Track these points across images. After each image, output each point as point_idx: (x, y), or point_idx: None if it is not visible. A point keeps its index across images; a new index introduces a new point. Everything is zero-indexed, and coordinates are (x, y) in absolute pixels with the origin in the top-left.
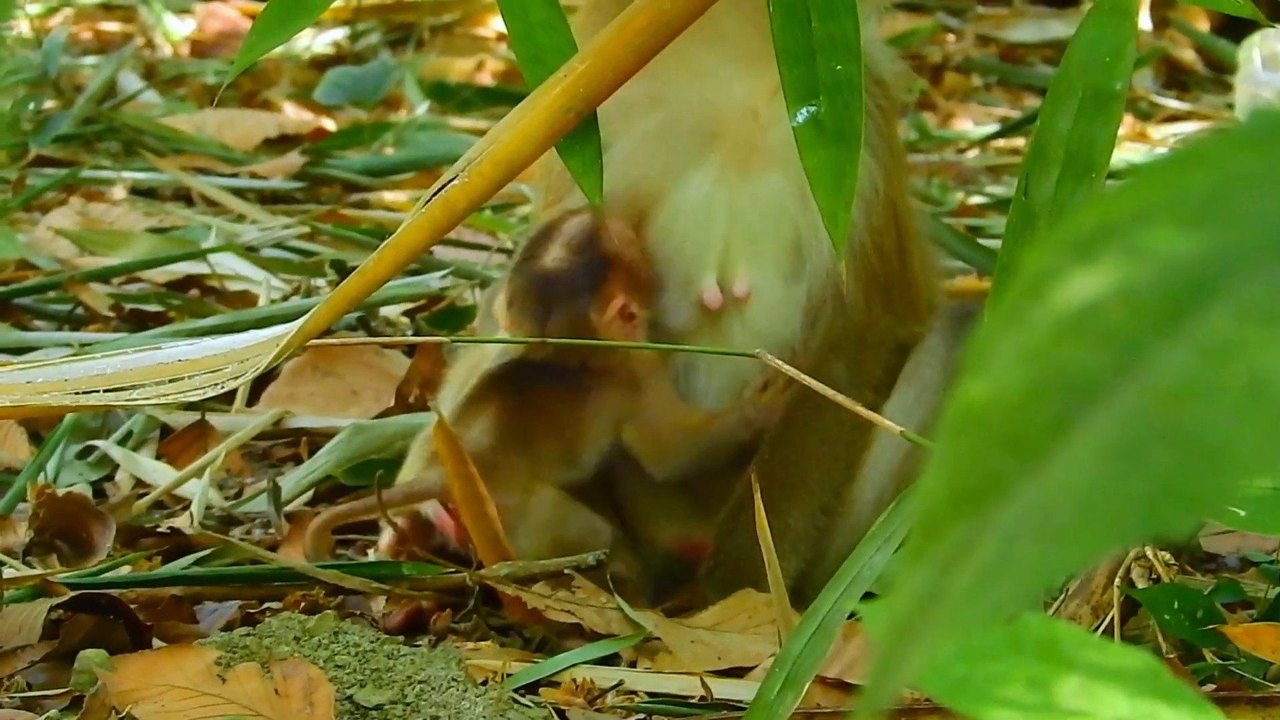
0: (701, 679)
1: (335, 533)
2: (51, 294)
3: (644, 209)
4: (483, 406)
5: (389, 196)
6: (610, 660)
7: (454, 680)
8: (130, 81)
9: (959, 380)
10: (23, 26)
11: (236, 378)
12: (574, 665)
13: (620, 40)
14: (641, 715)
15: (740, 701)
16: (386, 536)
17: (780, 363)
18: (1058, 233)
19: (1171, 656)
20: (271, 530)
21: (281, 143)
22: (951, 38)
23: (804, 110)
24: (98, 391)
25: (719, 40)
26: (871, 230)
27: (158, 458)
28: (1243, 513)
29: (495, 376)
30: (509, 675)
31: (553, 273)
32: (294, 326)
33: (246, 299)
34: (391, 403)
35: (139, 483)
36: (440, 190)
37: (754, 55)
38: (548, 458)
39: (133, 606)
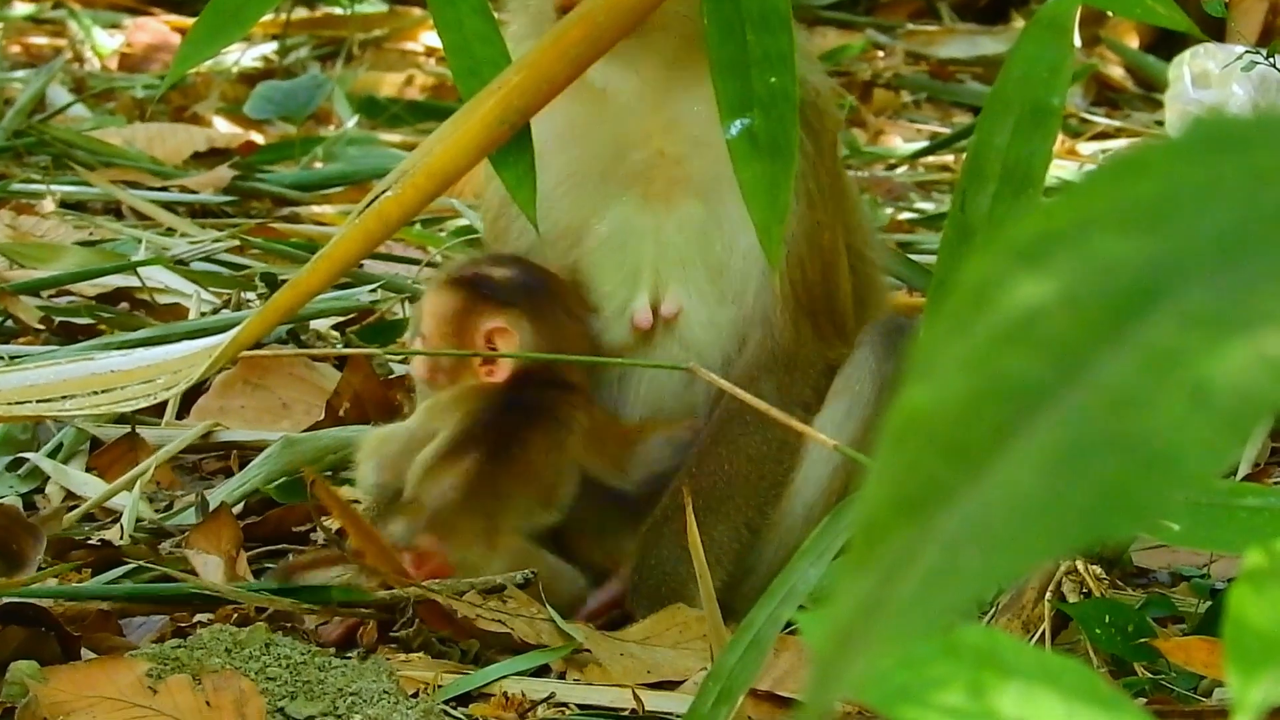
0: (633, 691)
1: (263, 543)
2: None
3: (571, 242)
4: (458, 462)
5: (319, 210)
6: (541, 673)
7: (385, 692)
8: (59, 95)
9: (900, 389)
10: None
11: (169, 389)
12: (505, 677)
13: (555, 52)
14: None
15: (671, 714)
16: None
17: (711, 375)
18: (1000, 241)
19: (1102, 671)
20: None
21: (211, 156)
22: (881, 54)
23: (738, 123)
24: (30, 402)
25: (621, 81)
26: (799, 256)
27: (88, 470)
28: (1176, 527)
29: (474, 433)
30: (439, 687)
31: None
32: (226, 338)
33: (177, 312)
34: (322, 416)
35: (69, 495)
36: (373, 201)
37: (656, 94)
38: (519, 508)
39: (60, 619)
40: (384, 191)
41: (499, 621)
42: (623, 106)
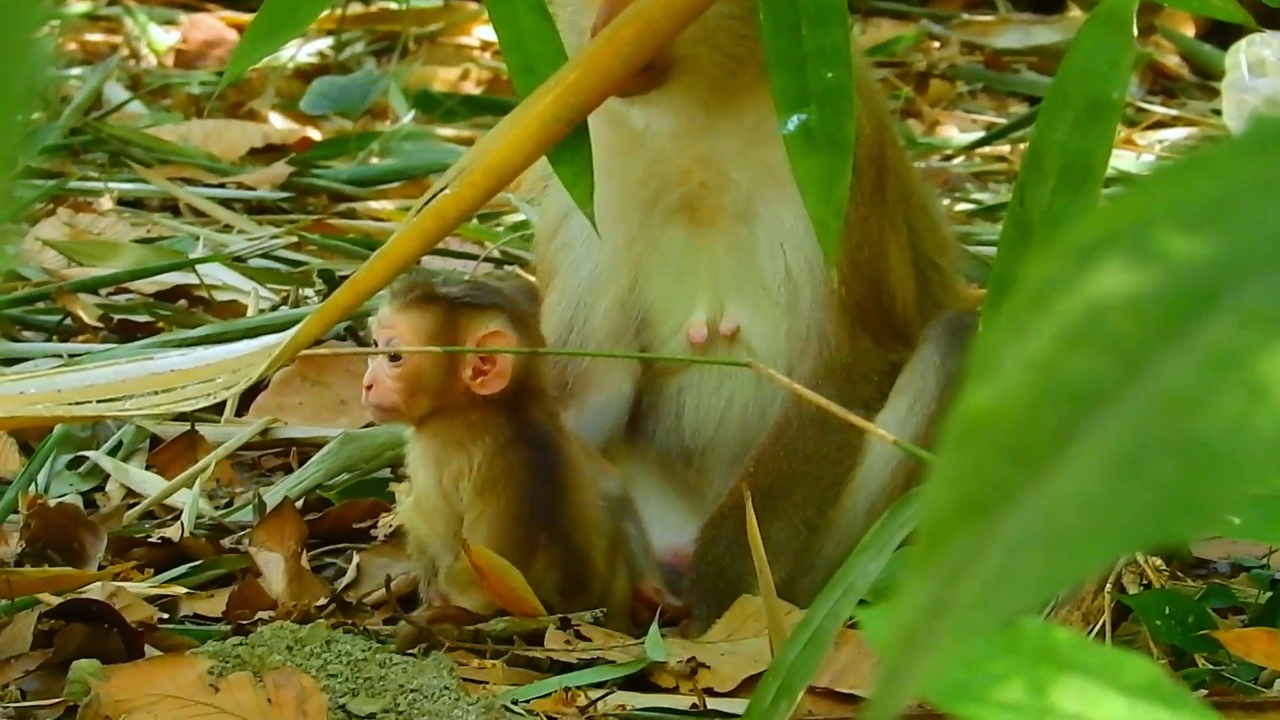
0: (696, 688)
1: (325, 543)
2: (40, 305)
3: (626, 264)
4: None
5: (375, 206)
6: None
7: (446, 689)
8: (116, 92)
9: (962, 390)
10: None
11: (228, 388)
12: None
13: (610, 50)
14: None
15: (732, 713)
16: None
17: (770, 371)
18: (1060, 241)
19: (1163, 663)
20: None
21: (267, 153)
22: (937, 45)
23: (794, 118)
24: (90, 402)
25: (659, 121)
26: (854, 266)
27: (148, 468)
28: (1237, 520)
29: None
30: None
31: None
32: (285, 336)
33: (234, 309)
34: None
35: (129, 493)
36: (431, 199)
37: (691, 131)
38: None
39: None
40: (441, 190)
41: (596, 655)
42: (659, 145)
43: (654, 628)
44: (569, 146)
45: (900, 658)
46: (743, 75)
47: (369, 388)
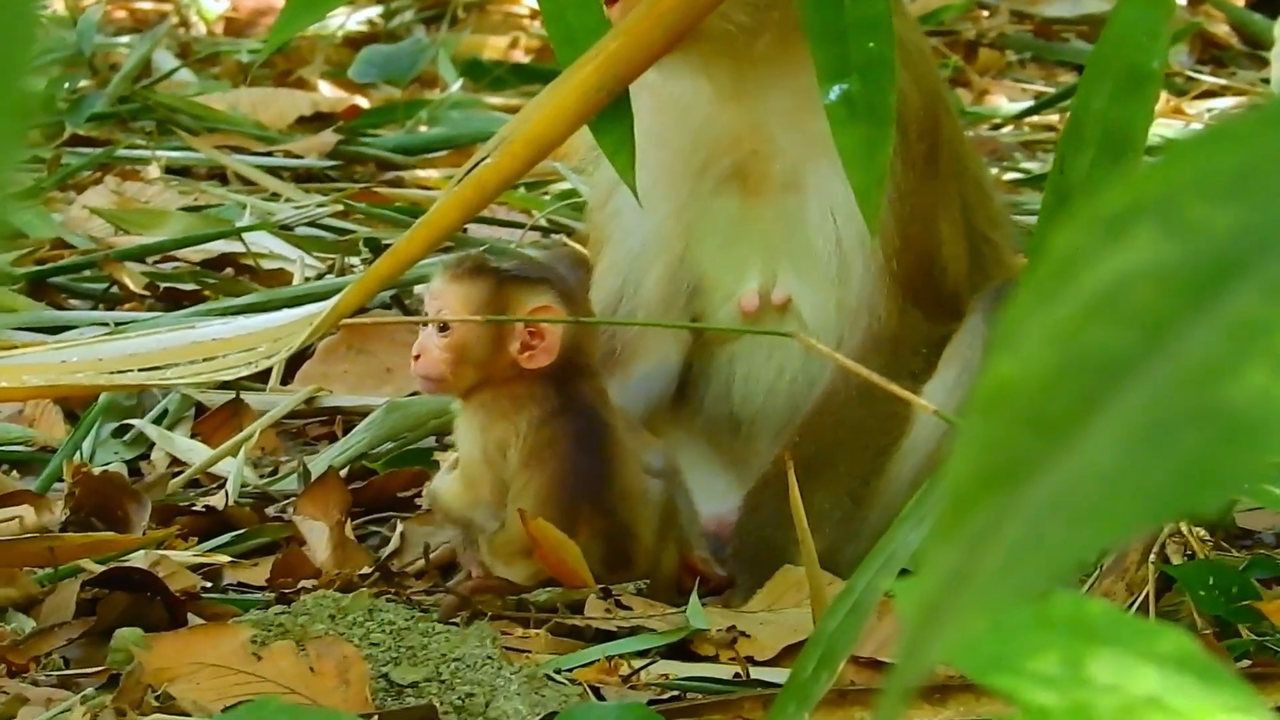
0: (738, 656)
1: (368, 512)
2: (87, 273)
3: (677, 233)
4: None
5: (423, 174)
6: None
7: (489, 658)
8: (165, 60)
9: (988, 359)
10: (57, 5)
11: (270, 357)
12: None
13: (651, 19)
14: (675, 694)
15: (775, 682)
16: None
17: (814, 342)
18: (1087, 211)
19: (1206, 633)
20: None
21: (315, 121)
22: (985, 14)
23: (836, 88)
24: (131, 371)
25: (705, 86)
26: (905, 239)
27: (193, 436)
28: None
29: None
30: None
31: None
32: (327, 305)
33: (281, 277)
34: None
35: (174, 461)
36: (471, 170)
37: (739, 98)
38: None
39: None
40: (482, 160)
41: (636, 624)
42: (707, 112)
43: (694, 596)
44: (610, 116)
45: (922, 627)
46: (757, 43)
47: (417, 357)
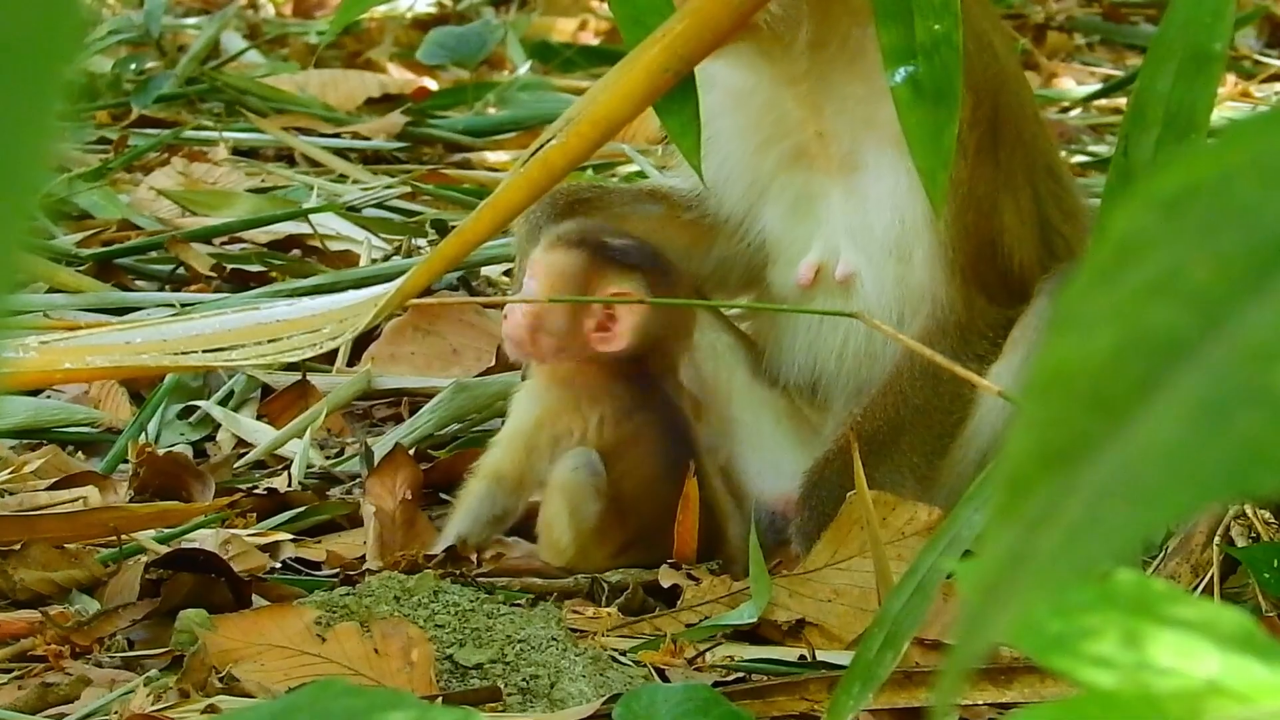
0: (805, 638)
1: (435, 493)
2: (153, 254)
3: (748, 207)
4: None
5: (491, 156)
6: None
7: (554, 639)
8: (233, 41)
9: (1047, 339)
10: None
11: (334, 338)
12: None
13: (718, 0)
14: (741, 675)
15: (840, 664)
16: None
17: (877, 322)
18: (1145, 192)
19: (1271, 615)
20: None
21: (384, 102)
22: None
23: (902, 70)
24: (197, 352)
25: (769, 68)
26: (962, 228)
27: (259, 418)
28: None
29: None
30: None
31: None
32: (392, 287)
33: (348, 259)
34: (492, 362)
35: (240, 442)
36: (538, 150)
37: (806, 81)
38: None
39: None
40: (549, 141)
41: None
42: (773, 93)
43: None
44: (676, 98)
45: (981, 608)
46: (819, 28)
47: (506, 318)
